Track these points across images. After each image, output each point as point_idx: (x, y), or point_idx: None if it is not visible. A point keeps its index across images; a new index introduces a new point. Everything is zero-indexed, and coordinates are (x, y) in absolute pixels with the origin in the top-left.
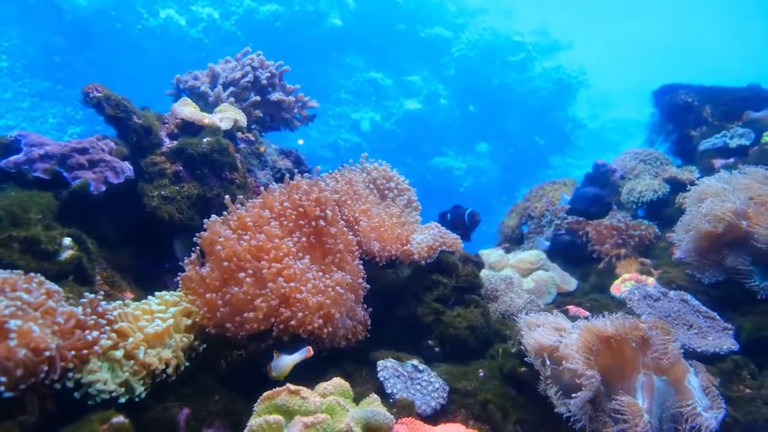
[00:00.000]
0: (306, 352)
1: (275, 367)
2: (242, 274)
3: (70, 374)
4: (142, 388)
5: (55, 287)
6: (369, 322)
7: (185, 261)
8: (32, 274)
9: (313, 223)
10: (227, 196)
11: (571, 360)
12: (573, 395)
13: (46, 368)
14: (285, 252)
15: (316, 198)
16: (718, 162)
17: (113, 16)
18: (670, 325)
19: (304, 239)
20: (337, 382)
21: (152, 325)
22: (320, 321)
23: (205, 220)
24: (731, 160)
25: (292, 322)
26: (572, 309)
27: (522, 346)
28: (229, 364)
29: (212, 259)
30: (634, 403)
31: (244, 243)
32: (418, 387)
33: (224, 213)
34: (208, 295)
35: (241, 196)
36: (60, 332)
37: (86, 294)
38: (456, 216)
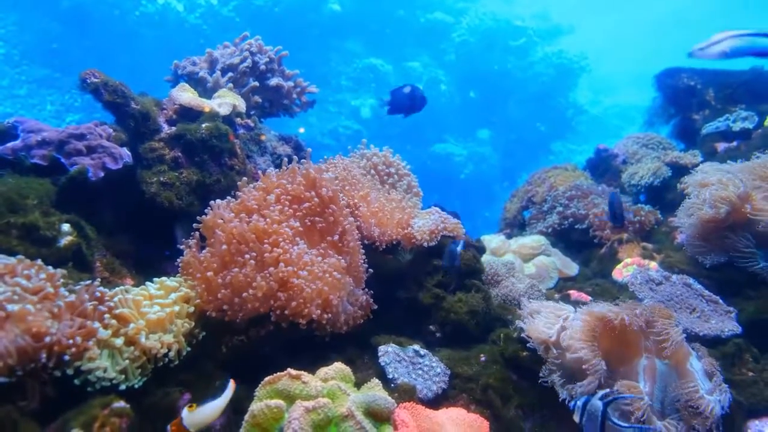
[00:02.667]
0: (228, 391)
1: (188, 422)
2: (246, 256)
3: (66, 357)
4: (138, 379)
5: (55, 271)
6: (371, 305)
7: (184, 245)
8: (29, 260)
9: (306, 205)
10: (244, 179)
11: (574, 350)
12: (577, 381)
13: (45, 354)
14: (284, 237)
15: (309, 180)
16: (721, 145)
17: (111, 2)
18: (673, 309)
19: (297, 223)
20: (338, 366)
21: (153, 311)
22: (318, 311)
23: (211, 203)
24: (734, 143)
25: (286, 311)
26: (574, 294)
27: (525, 335)
28: (230, 350)
29: (212, 242)
30: (635, 386)
31: (250, 225)
32: (420, 372)
33: (228, 198)
34: (209, 274)
35: (244, 181)
36: (59, 318)
37: (81, 283)
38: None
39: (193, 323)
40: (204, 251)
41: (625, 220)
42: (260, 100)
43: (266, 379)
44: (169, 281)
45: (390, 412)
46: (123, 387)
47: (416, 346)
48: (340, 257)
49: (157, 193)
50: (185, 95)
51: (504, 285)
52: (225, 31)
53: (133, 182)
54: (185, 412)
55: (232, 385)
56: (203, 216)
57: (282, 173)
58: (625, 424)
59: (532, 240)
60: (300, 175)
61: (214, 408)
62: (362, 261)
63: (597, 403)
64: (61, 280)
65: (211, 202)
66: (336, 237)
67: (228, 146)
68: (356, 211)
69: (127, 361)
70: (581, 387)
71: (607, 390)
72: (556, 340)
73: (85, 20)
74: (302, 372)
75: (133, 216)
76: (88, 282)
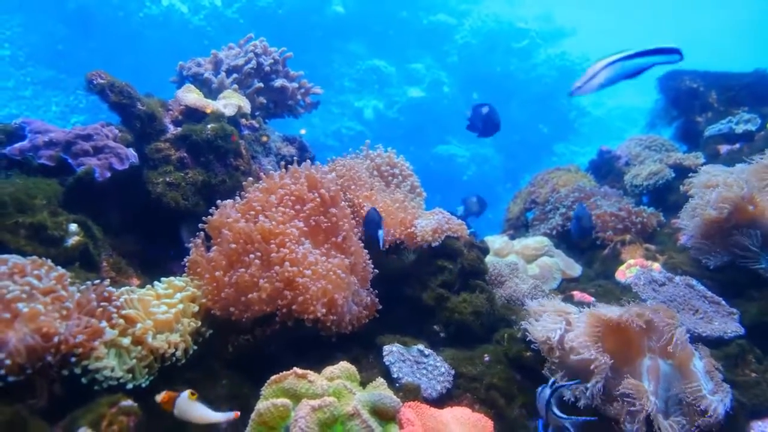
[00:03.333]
0: (225, 416)
1: (179, 405)
2: (251, 256)
3: (73, 359)
4: (145, 378)
5: (64, 272)
6: (376, 305)
7: (191, 244)
8: (40, 259)
9: (308, 206)
10: (250, 179)
11: (577, 351)
12: (578, 379)
13: (53, 353)
14: (290, 237)
15: (311, 181)
16: (723, 148)
17: (115, 3)
18: (676, 310)
19: (301, 224)
20: (344, 365)
21: (161, 310)
22: (323, 310)
23: (219, 202)
24: (737, 145)
25: (294, 307)
26: (577, 295)
27: (528, 334)
28: (236, 349)
29: (219, 242)
30: (640, 385)
31: (258, 224)
32: (424, 371)
33: (236, 198)
34: (217, 273)
35: (249, 181)
36: (68, 318)
37: (88, 282)
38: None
39: (199, 322)
40: (211, 250)
41: (592, 234)
42: (265, 101)
43: (272, 378)
44: (177, 281)
45: (395, 411)
46: (130, 386)
47: (420, 346)
48: (345, 257)
49: (163, 194)
50: (191, 96)
51: (508, 285)
52: (229, 33)
53: (139, 183)
54: (185, 395)
55: (233, 415)
56: (209, 216)
57: (284, 174)
58: (564, 416)
59: (535, 241)
60: (303, 176)
61: (204, 415)
62: (367, 261)
63: (546, 392)
64: (69, 280)
65: (219, 201)
66: (340, 237)
67: (233, 147)
68: (361, 211)
69: (134, 361)
70: (591, 388)
71: (555, 378)
72: (559, 341)
73: (89, 22)
74: (308, 371)
75: (139, 216)
76: (97, 281)
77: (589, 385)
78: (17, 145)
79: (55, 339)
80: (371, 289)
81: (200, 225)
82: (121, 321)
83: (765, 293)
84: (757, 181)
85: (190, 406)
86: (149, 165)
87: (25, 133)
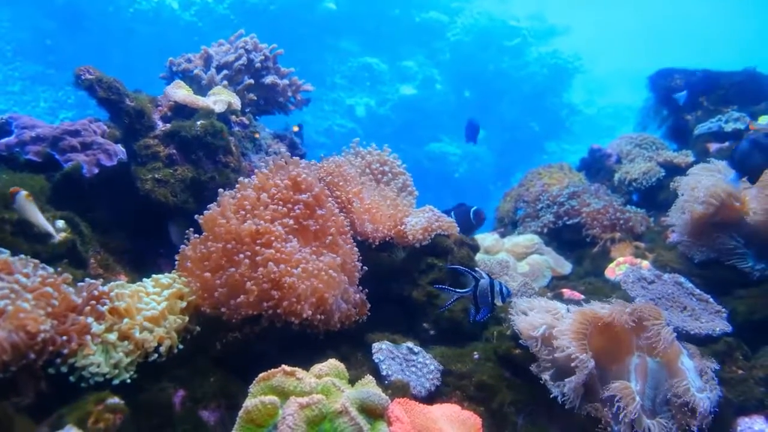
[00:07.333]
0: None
1: (16, 199)
2: (241, 256)
3: (58, 360)
4: (128, 375)
5: (50, 269)
6: (366, 303)
7: (189, 240)
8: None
9: (298, 207)
10: (241, 178)
11: (563, 348)
12: (567, 378)
13: (39, 350)
14: (276, 236)
15: (294, 181)
16: (713, 146)
17: None
18: (664, 307)
19: (291, 221)
20: (333, 363)
21: (149, 307)
22: (310, 311)
23: (220, 191)
24: (726, 144)
25: (278, 310)
26: (567, 292)
27: (516, 329)
28: (224, 346)
29: (211, 239)
30: (626, 386)
31: (246, 225)
32: (414, 369)
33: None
34: (206, 274)
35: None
36: (54, 315)
37: (87, 280)
38: (460, 213)
39: (187, 318)
40: (203, 247)
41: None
42: (255, 98)
43: (260, 375)
44: (164, 278)
45: (384, 408)
46: (116, 382)
47: (410, 344)
48: (335, 255)
49: (151, 190)
50: (180, 92)
51: None
52: (220, 29)
53: (128, 179)
54: (23, 193)
55: (54, 234)
56: (205, 213)
57: (273, 170)
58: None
59: (525, 239)
60: (282, 174)
61: (32, 215)
62: (356, 259)
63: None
64: (55, 278)
65: (220, 190)
66: (330, 236)
67: (223, 143)
68: (350, 206)
69: (120, 355)
70: (569, 383)
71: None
72: (547, 338)
73: (79, 17)
74: (296, 368)
75: (127, 213)
76: (91, 281)
77: (567, 381)
78: (3, 141)
79: (40, 337)
80: (360, 287)
81: (195, 219)
82: (109, 316)
83: (752, 291)
84: (743, 179)
85: (24, 203)
86: (138, 161)
87: (11, 129)
